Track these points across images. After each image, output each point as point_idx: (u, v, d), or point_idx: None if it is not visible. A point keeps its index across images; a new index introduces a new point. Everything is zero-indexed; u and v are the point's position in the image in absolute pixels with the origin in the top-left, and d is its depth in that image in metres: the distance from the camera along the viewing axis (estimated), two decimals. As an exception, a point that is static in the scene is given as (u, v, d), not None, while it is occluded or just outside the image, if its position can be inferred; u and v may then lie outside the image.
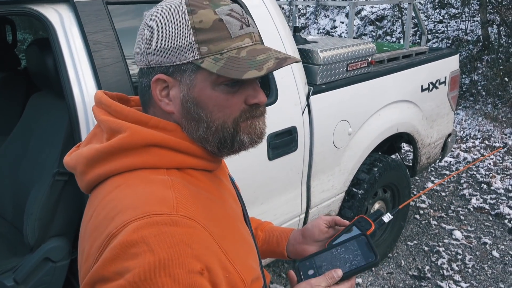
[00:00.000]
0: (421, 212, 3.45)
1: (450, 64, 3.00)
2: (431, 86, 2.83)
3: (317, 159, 2.16)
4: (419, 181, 3.97)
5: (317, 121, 2.10)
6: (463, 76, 6.29)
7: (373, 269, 2.77)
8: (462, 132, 5.20)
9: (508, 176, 3.99)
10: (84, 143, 0.83)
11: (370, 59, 2.37)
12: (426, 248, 3.00)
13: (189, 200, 0.71)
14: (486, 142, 4.83)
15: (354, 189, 2.48)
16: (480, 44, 6.53)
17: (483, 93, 5.88)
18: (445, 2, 7.69)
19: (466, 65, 6.35)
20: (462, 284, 2.66)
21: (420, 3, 7.86)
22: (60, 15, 1.41)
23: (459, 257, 2.91)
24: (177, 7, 0.74)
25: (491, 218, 3.37)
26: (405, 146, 4.54)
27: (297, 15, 3.02)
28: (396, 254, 2.95)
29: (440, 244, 3.04)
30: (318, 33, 8.67)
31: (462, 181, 3.94)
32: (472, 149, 4.68)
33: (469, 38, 6.82)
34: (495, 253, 2.94)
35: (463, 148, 4.74)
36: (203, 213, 0.71)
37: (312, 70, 2.15)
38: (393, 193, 2.82)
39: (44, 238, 1.55)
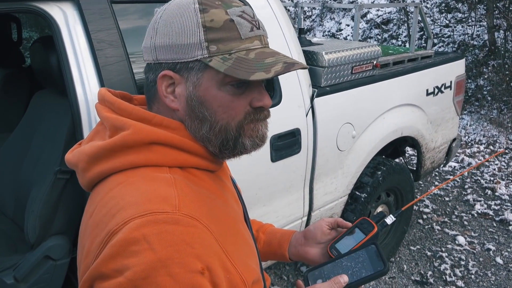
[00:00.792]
0: (425, 216, 3.43)
1: (456, 69, 2.98)
2: (436, 90, 2.81)
3: (320, 161, 2.15)
4: (423, 185, 3.94)
5: (321, 123, 2.08)
6: (469, 81, 6.26)
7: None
8: (467, 137, 5.17)
9: (513, 182, 3.97)
10: (86, 141, 0.83)
11: (375, 62, 2.36)
12: (429, 253, 2.98)
13: (192, 199, 0.70)
14: (491, 147, 4.80)
15: (357, 193, 2.47)
16: (486, 49, 6.50)
17: (489, 98, 5.85)
18: (451, 6, 7.66)
19: (472, 70, 6.32)
20: (465, 290, 2.64)
21: (426, 7, 7.83)
22: (65, 13, 1.40)
23: (462, 263, 2.89)
24: (189, 4, 0.74)
25: (495, 224, 3.34)
26: (409, 150, 4.52)
27: (302, 17, 3.01)
28: (398, 258, 2.93)
29: (443, 249, 3.02)
30: (323, 36, 8.66)
31: (466, 186, 3.92)
32: (477, 154, 4.65)
33: (475, 42, 6.79)
34: (498, 259, 2.91)
35: (468, 153, 4.71)
36: (205, 213, 0.70)
37: (316, 72, 2.14)
38: (397, 197, 2.80)
39: (44, 236, 1.55)
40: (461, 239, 3.11)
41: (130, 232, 0.63)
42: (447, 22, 7.46)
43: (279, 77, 1.89)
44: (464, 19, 7.31)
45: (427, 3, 7.89)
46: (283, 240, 1.06)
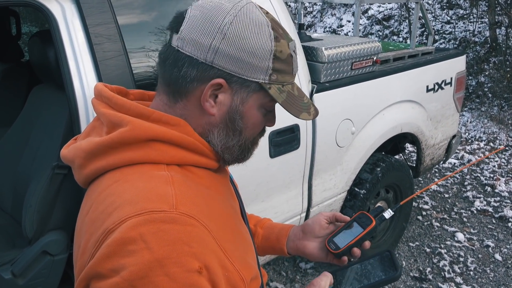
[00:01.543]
0: (424, 213, 3.43)
1: (457, 65, 2.97)
2: (436, 87, 2.81)
3: (319, 157, 2.15)
4: (422, 182, 3.94)
5: (320, 119, 2.08)
6: (470, 77, 6.24)
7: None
8: (467, 134, 5.16)
9: (512, 179, 3.96)
10: (82, 136, 0.82)
11: (375, 58, 2.35)
12: (428, 250, 2.98)
13: (189, 197, 0.69)
14: (491, 144, 4.79)
15: (356, 189, 2.47)
16: (488, 45, 6.48)
17: (490, 95, 5.83)
18: (453, 2, 7.63)
19: (473, 67, 6.30)
20: (464, 286, 2.64)
21: (428, 3, 7.80)
22: (62, 7, 1.39)
23: (461, 259, 2.89)
24: (264, 26, 0.74)
25: (494, 221, 3.34)
26: (410, 147, 4.51)
27: (302, 12, 2.99)
28: (398, 255, 2.93)
29: (442, 246, 3.02)
30: (324, 32, 8.63)
31: (466, 183, 3.91)
32: (477, 151, 4.64)
33: (477, 39, 6.76)
34: (497, 256, 2.91)
35: (468, 150, 4.70)
36: (202, 211, 0.69)
37: (316, 68, 2.13)
38: (396, 193, 2.80)
39: (42, 231, 1.55)
40: (460, 236, 3.11)
41: (127, 231, 0.62)
42: (449, 18, 7.43)
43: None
44: (465, 16, 7.29)
45: (429, -1, 7.87)
46: (281, 235, 1.06)
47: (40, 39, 1.62)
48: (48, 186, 1.51)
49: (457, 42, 6.93)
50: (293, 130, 1.96)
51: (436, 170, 4.19)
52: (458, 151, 4.65)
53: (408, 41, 7.13)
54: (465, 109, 5.77)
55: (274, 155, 1.91)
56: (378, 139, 2.45)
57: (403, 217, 2.89)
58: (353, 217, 0.99)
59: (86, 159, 0.75)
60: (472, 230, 3.22)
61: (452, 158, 4.46)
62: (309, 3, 9.20)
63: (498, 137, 4.93)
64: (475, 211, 3.47)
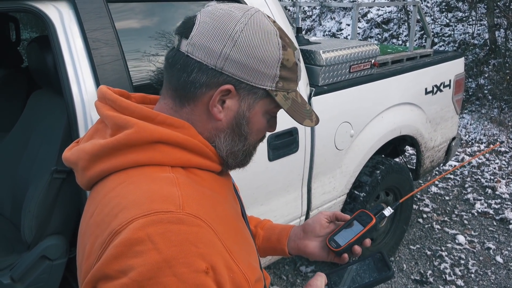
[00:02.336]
0: (424, 216, 3.42)
1: (455, 67, 2.97)
2: (435, 89, 2.81)
3: (318, 160, 2.15)
4: (422, 184, 3.93)
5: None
6: (470, 80, 6.24)
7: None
8: (467, 136, 5.16)
9: (513, 181, 3.95)
10: (85, 139, 0.82)
11: (373, 61, 2.35)
12: (428, 252, 2.97)
13: (195, 198, 0.70)
14: (491, 146, 4.78)
15: (356, 192, 2.46)
16: (487, 48, 6.49)
17: (489, 97, 5.83)
18: (452, 5, 7.64)
19: (472, 69, 6.31)
20: (465, 289, 2.63)
21: (427, 6, 7.82)
22: (60, 12, 1.40)
23: (462, 262, 2.88)
24: (272, 34, 0.76)
25: (495, 223, 3.33)
26: (410, 150, 4.51)
27: (300, 16, 3.00)
28: (398, 258, 2.92)
29: (443, 248, 3.01)
30: (323, 35, 8.65)
31: (466, 185, 3.91)
32: (477, 153, 4.63)
33: (476, 41, 6.77)
34: (498, 258, 2.90)
35: (468, 152, 4.70)
36: (208, 212, 0.70)
37: (314, 71, 2.14)
38: (396, 196, 2.80)
39: (41, 236, 1.55)
40: (461, 238, 3.10)
41: (134, 232, 0.62)
42: (448, 21, 7.44)
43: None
44: (464, 18, 7.30)
45: (428, 2, 7.88)
46: (282, 235, 1.07)
47: (38, 44, 1.63)
48: (47, 191, 1.52)
49: (456, 45, 6.94)
50: (292, 133, 1.96)
51: (436, 172, 4.19)
52: (458, 153, 4.65)
53: (408, 44, 7.14)
54: (465, 111, 5.77)
55: (272, 159, 1.92)
56: (377, 141, 2.45)
57: (404, 220, 2.88)
58: (353, 215, 1.00)
59: (90, 161, 0.75)
60: (473, 233, 3.21)
61: (452, 161, 4.46)
62: (309, 7, 9.23)
63: (498, 139, 4.93)
64: (476, 214, 3.46)
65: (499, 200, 3.63)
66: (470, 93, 6.06)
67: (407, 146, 3.40)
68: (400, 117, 2.58)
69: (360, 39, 7.78)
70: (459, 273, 2.77)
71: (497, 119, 5.37)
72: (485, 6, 6.67)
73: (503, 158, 4.49)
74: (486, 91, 5.94)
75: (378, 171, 2.52)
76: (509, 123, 5.24)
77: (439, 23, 7.45)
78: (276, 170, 1.96)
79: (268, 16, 0.80)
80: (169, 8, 1.66)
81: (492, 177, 4.04)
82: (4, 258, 1.60)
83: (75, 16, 1.41)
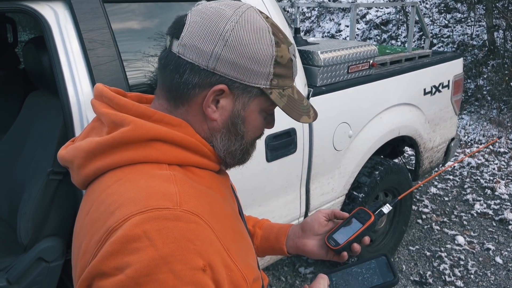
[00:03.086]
0: (424, 217, 3.41)
1: (454, 68, 2.97)
2: (434, 90, 2.80)
3: (317, 161, 2.14)
4: (422, 185, 3.93)
5: (316, 123, 2.07)
6: (468, 81, 6.24)
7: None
8: (466, 137, 5.16)
9: (512, 182, 3.95)
10: (81, 137, 0.81)
11: (371, 61, 2.35)
12: (428, 253, 2.96)
13: (192, 195, 0.69)
14: (491, 147, 4.78)
15: (354, 193, 2.46)
16: (486, 49, 6.49)
17: (488, 98, 5.83)
18: (450, 6, 7.65)
19: (471, 70, 6.31)
20: (464, 290, 2.62)
21: (425, 7, 7.83)
22: (56, 13, 1.39)
23: (462, 262, 2.87)
24: (265, 31, 0.75)
25: (494, 224, 3.32)
26: (409, 151, 4.50)
27: (298, 17, 2.99)
28: (397, 259, 2.91)
29: (443, 249, 3.00)
30: (322, 37, 8.66)
31: (465, 186, 3.90)
32: (476, 154, 4.63)
33: (475, 42, 6.77)
34: (498, 259, 2.89)
35: (467, 153, 4.69)
36: (205, 209, 0.69)
37: (312, 72, 2.13)
38: (395, 196, 2.79)
39: (38, 238, 1.54)
40: (460, 239, 3.09)
41: (131, 228, 0.62)
42: (446, 22, 7.45)
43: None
44: (463, 19, 7.30)
45: (426, 3, 7.89)
46: (280, 234, 1.06)
47: (34, 45, 1.62)
48: (43, 193, 1.51)
49: (455, 46, 6.94)
50: (290, 134, 1.95)
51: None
52: (457, 154, 4.64)
53: (406, 45, 7.14)
54: (464, 112, 5.77)
55: (271, 159, 1.91)
56: (375, 142, 2.44)
57: (403, 221, 2.87)
58: (352, 213, 1.00)
59: (86, 159, 0.74)
60: (472, 233, 3.20)
61: (451, 161, 4.45)
62: (308, 8, 9.23)
63: (498, 141, 4.92)
64: (475, 214, 3.45)
65: (498, 201, 3.63)
66: (469, 94, 6.06)
67: (406, 147, 3.40)
68: (399, 117, 2.58)
69: (359, 40, 7.78)
70: (459, 274, 2.76)
71: (496, 120, 5.36)
72: (484, 7, 6.68)
73: (502, 158, 4.49)
74: (485, 92, 5.93)
75: (377, 172, 2.52)
76: (508, 124, 5.23)
77: (438, 24, 7.46)
78: (274, 171, 1.95)
79: (261, 12, 0.78)
80: (166, 8, 1.66)
81: (491, 178, 4.04)
82: (0, 260, 1.59)
83: (71, 16, 1.41)
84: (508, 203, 3.59)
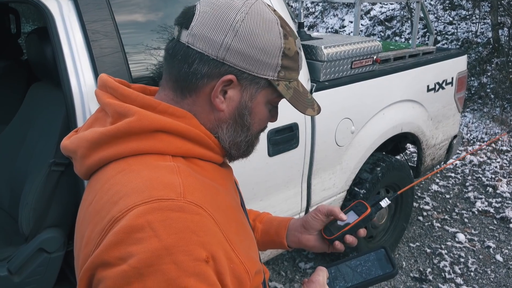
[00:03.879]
0: (425, 214, 3.41)
1: (458, 65, 2.96)
2: (437, 87, 2.79)
3: (319, 156, 2.14)
4: (423, 182, 3.92)
5: (319, 118, 2.07)
6: (472, 78, 6.22)
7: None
8: (469, 135, 5.14)
9: (514, 180, 3.94)
10: (84, 127, 0.81)
11: (375, 57, 2.34)
12: (428, 250, 2.96)
13: (196, 187, 0.69)
14: (493, 145, 4.77)
15: (356, 188, 2.45)
16: (490, 46, 6.46)
17: (492, 96, 5.81)
18: (455, 3, 7.61)
19: (475, 68, 6.28)
20: (464, 287, 2.62)
21: (430, 4, 7.78)
22: (59, 3, 1.39)
23: (462, 260, 2.87)
24: (273, 23, 0.75)
25: (495, 222, 3.32)
26: (411, 148, 4.50)
27: (302, 11, 2.98)
28: (398, 255, 2.91)
29: (443, 246, 3.00)
30: (326, 32, 8.63)
31: (467, 184, 3.90)
32: (479, 152, 4.62)
33: (479, 40, 6.74)
34: (498, 257, 2.89)
35: (470, 150, 4.68)
36: (209, 201, 0.69)
37: (315, 67, 2.12)
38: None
39: (39, 229, 1.54)
40: (461, 237, 3.09)
41: (135, 219, 0.62)
42: (451, 19, 7.41)
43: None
44: (468, 17, 7.26)
45: (431, 0, 7.84)
46: (280, 228, 1.07)
47: (37, 36, 1.61)
48: (44, 184, 1.51)
49: (459, 43, 6.91)
50: (292, 129, 1.95)
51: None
52: (459, 152, 4.63)
53: (410, 41, 7.11)
54: (467, 110, 5.75)
55: (272, 154, 1.90)
56: (378, 138, 2.44)
57: (404, 218, 2.87)
58: (350, 205, 1.01)
59: (90, 149, 0.74)
60: (473, 231, 3.20)
61: (453, 159, 4.44)
62: (312, 3, 9.19)
63: (500, 138, 4.91)
64: (476, 212, 3.45)
65: (499, 199, 3.62)
66: (472, 92, 6.03)
67: (408, 144, 3.39)
68: (402, 114, 2.57)
69: (363, 36, 7.75)
70: (459, 271, 2.76)
71: (499, 118, 5.35)
72: (489, 5, 6.64)
73: (505, 157, 4.47)
74: (488, 90, 5.91)
75: (379, 168, 2.51)
76: (511, 122, 5.22)
77: (442, 21, 7.42)
78: (276, 166, 1.95)
79: (268, 5, 0.79)
80: (170, 1, 1.65)
81: (493, 176, 4.03)
82: (1, 250, 1.60)
83: (74, 7, 1.40)
84: (510, 202, 3.58)
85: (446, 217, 3.37)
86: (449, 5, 7.66)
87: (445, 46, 6.98)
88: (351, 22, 8.51)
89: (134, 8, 1.56)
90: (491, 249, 2.98)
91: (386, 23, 8.10)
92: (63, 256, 1.56)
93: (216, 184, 0.77)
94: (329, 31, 8.66)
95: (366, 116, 2.34)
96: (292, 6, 8.32)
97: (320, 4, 9.08)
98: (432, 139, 2.91)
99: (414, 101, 2.65)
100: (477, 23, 6.96)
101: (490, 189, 3.78)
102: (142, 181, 0.67)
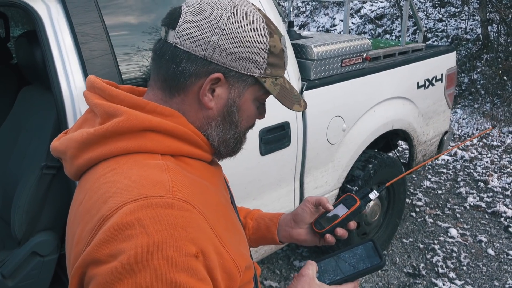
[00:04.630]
0: (417, 209, 3.44)
1: (447, 61, 2.98)
2: (427, 83, 2.82)
3: (311, 155, 2.15)
4: (416, 179, 3.95)
5: (310, 116, 2.08)
6: (462, 74, 6.27)
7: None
8: (460, 131, 5.19)
9: (505, 175, 3.98)
10: (74, 128, 0.82)
11: (365, 55, 2.35)
12: (421, 246, 2.99)
13: (185, 184, 0.70)
14: (484, 140, 4.81)
15: (348, 186, 2.47)
16: (480, 43, 6.51)
17: (482, 92, 5.86)
18: (445, 0, 7.66)
19: (465, 64, 6.34)
20: (457, 281, 2.64)
21: (419, 1, 7.84)
22: (48, 7, 1.39)
23: (454, 254, 2.90)
24: (259, 22, 0.77)
25: (487, 216, 3.35)
26: (403, 144, 4.53)
27: (292, 11, 3.00)
28: (391, 251, 2.94)
29: (436, 241, 3.03)
30: (317, 31, 8.65)
31: (459, 179, 3.93)
32: (470, 147, 4.66)
33: (469, 36, 6.80)
34: (490, 251, 2.92)
35: (461, 146, 4.72)
36: (198, 198, 0.70)
37: (306, 65, 2.13)
38: (388, 190, 2.81)
39: (32, 232, 1.54)
40: (453, 231, 3.12)
41: (124, 216, 0.63)
42: (441, 16, 7.46)
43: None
44: (457, 13, 7.32)
45: (421, -3, 7.90)
46: (271, 224, 1.08)
47: (26, 39, 1.61)
48: (37, 187, 1.51)
49: (449, 40, 6.96)
50: (284, 128, 1.96)
51: (430, 166, 4.21)
52: (450, 147, 4.67)
53: (400, 39, 7.14)
54: (458, 106, 5.80)
55: (264, 153, 1.91)
56: (369, 136, 2.46)
57: (396, 214, 2.89)
58: (339, 199, 1.03)
59: (80, 150, 0.75)
60: (465, 226, 3.23)
61: (445, 155, 4.48)
62: (302, 2, 9.21)
63: (491, 133, 4.95)
64: (468, 207, 3.48)
65: (491, 194, 3.66)
66: (463, 88, 6.08)
67: (400, 141, 3.41)
68: (392, 111, 2.59)
69: (353, 35, 7.78)
70: (451, 265, 2.79)
71: (490, 114, 5.40)
72: (478, 1, 6.70)
73: (495, 152, 4.52)
74: (478, 86, 5.96)
75: (371, 165, 2.53)
76: (501, 118, 5.27)
77: (432, 18, 7.47)
78: (268, 165, 1.96)
79: (253, 4, 0.80)
80: (159, 2, 1.65)
81: (484, 171, 4.07)
82: (-6, 254, 1.59)
83: (63, 10, 1.40)
84: (501, 196, 3.62)
85: (438, 212, 3.40)
86: (439, 2, 7.72)
87: (436, 43, 7.03)
88: (342, 20, 8.54)
89: (123, 10, 1.56)
90: (483, 243, 3.01)
91: (377, 21, 8.14)
92: (57, 259, 1.56)
93: (205, 181, 0.78)
94: (320, 30, 8.69)
95: (357, 114, 2.35)
96: (282, 6, 8.33)
97: (311, 3, 9.11)
98: (423, 135, 2.94)
99: (405, 98, 2.67)
100: (467, 20, 7.02)
101: (482, 184, 3.81)
102: (131, 179, 0.68)
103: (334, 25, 8.58)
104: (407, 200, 3.53)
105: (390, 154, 3.14)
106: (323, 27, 8.74)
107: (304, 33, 2.58)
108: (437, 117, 3.04)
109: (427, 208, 3.46)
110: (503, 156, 4.40)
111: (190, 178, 0.74)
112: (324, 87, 2.15)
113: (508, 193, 3.66)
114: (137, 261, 0.61)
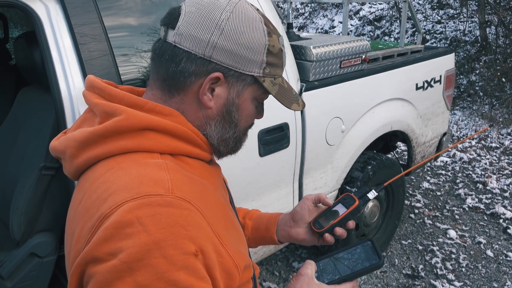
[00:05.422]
0: (416, 211, 3.44)
1: (446, 63, 2.99)
2: (426, 85, 2.82)
3: (310, 156, 2.15)
4: (414, 180, 3.96)
5: (309, 118, 2.08)
6: (461, 76, 6.28)
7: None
8: (459, 132, 5.19)
9: (503, 176, 3.98)
10: (73, 128, 0.82)
11: (364, 56, 2.36)
12: (420, 247, 2.99)
13: (184, 182, 0.70)
14: (483, 142, 4.82)
15: (347, 187, 2.47)
16: (478, 44, 6.52)
17: (481, 93, 5.87)
18: (443, 2, 7.68)
19: (464, 66, 6.34)
20: (456, 283, 2.64)
21: (418, 3, 7.85)
22: (47, 7, 1.39)
23: (453, 256, 2.90)
24: (257, 21, 0.78)
25: (486, 218, 3.35)
26: (402, 146, 4.53)
27: (291, 12, 3.00)
28: (390, 253, 2.93)
29: (435, 243, 3.03)
30: (316, 33, 8.66)
31: (457, 181, 3.93)
32: (469, 149, 4.67)
33: (467, 38, 6.81)
34: (489, 252, 2.92)
35: (460, 148, 4.73)
36: (197, 196, 0.70)
37: (304, 67, 2.13)
38: (387, 191, 2.81)
39: (30, 233, 1.54)
40: (452, 233, 3.12)
41: (124, 214, 0.63)
42: (439, 18, 7.48)
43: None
44: (456, 15, 7.33)
45: (419, -1, 7.91)
46: (269, 224, 1.08)
47: (25, 40, 1.61)
48: (35, 188, 1.51)
49: (448, 42, 6.98)
50: (283, 129, 1.96)
51: (428, 168, 4.21)
52: (449, 150, 4.67)
53: (399, 40, 7.15)
54: (457, 107, 5.80)
55: (263, 154, 1.91)
56: (368, 137, 2.46)
57: (395, 215, 2.89)
58: (338, 198, 1.03)
59: (79, 149, 0.75)
60: (464, 227, 3.23)
61: (444, 156, 4.48)
62: (301, 4, 9.23)
63: (489, 135, 4.96)
64: (467, 208, 3.48)
65: (489, 195, 3.66)
66: (461, 90, 6.09)
67: (399, 142, 3.42)
68: (391, 112, 2.59)
69: (352, 36, 7.78)
70: (450, 267, 2.79)
71: (488, 115, 5.40)
72: (476, 3, 6.71)
73: (494, 153, 4.52)
74: (477, 88, 5.97)
75: (370, 167, 2.53)
76: (500, 119, 5.28)
77: (431, 20, 7.48)
78: (267, 166, 1.96)
79: (252, 4, 0.81)
80: (158, 2, 1.65)
81: (483, 173, 4.07)
82: (-8, 255, 1.59)
83: (62, 11, 1.40)
84: (500, 197, 3.62)
85: (437, 214, 3.40)
86: (437, 4, 7.73)
87: (434, 45, 7.04)
88: (341, 22, 8.55)
89: (123, 11, 1.56)
90: (481, 245, 3.01)
91: (376, 23, 8.15)
92: (55, 260, 1.56)
93: (204, 180, 0.78)
94: (319, 32, 8.70)
95: (356, 115, 2.36)
96: (281, 7, 8.34)
97: (310, 5, 9.12)
98: (421, 136, 2.94)
99: (404, 100, 2.67)
100: (465, 22, 7.03)
101: (480, 186, 3.82)
102: (130, 178, 0.68)
103: (333, 27, 8.59)
104: (406, 202, 3.53)
105: (389, 155, 3.14)
106: (322, 28, 8.75)
107: (303, 34, 2.59)
108: (436, 119, 3.04)
109: (426, 210, 3.46)
110: (502, 158, 4.41)
111: (189, 177, 0.74)
112: (323, 88, 2.15)
113: (506, 194, 3.66)
114: (136, 259, 0.61)
